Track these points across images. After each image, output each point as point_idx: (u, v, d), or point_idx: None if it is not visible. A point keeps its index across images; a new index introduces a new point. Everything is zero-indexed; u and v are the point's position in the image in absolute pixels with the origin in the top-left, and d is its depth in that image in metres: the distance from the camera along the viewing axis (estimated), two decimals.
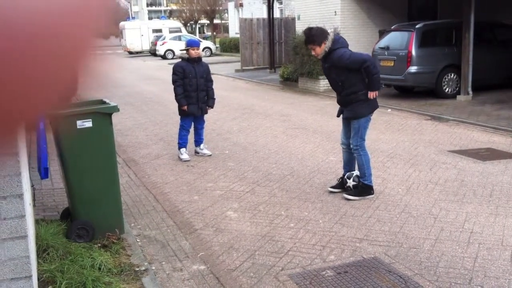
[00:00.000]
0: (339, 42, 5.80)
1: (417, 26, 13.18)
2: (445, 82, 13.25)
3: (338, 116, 6.26)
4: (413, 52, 12.95)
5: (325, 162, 7.51)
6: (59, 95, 0.65)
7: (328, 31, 5.82)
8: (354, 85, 5.80)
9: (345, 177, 6.10)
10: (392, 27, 14.30)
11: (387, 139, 9.05)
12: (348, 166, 6.18)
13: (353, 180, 5.99)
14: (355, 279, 4.05)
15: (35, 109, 0.63)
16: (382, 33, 14.93)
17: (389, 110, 12.19)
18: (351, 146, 5.97)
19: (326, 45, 5.70)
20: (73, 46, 0.62)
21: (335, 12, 16.24)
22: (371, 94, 5.82)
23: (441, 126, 10.13)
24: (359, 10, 16.31)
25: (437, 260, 4.36)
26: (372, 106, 5.97)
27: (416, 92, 14.19)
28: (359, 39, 16.25)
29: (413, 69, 12.98)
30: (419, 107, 12.11)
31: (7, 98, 0.58)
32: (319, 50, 5.75)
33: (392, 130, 9.81)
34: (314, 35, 5.74)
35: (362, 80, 5.81)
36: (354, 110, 5.88)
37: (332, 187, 6.22)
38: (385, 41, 13.96)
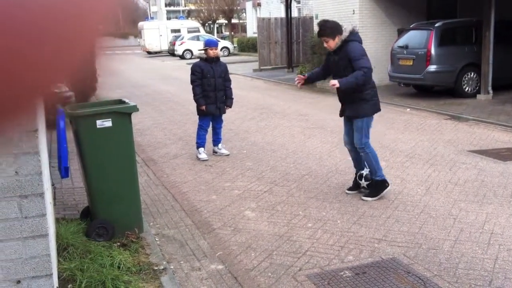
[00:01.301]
0: (355, 34, 5.75)
1: (436, 25, 13.06)
2: (465, 81, 13.11)
3: (340, 116, 6.15)
4: (433, 51, 12.84)
5: (343, 162, 7.47)
6: (72, 67, 0.66)
7: (345, 25, 5.77)
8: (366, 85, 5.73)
9: (357, 179, 6.07)
10: (411, 26, 14.18)
11: (406, 139, 8.98)
12: (358, 164, 6.12)
13: (366, 180, 5.94)
14: (373, 280, 4.03)
15: (49, 79, 0.64)
16: (401, 32, 14.82)
17: (408, 109, 12.10)
18: (356, 146, 5.90)
19: (341, 38, 5.65)
20: (84, 21, 0.63)
21: (353, 11, 16.14)
22: (332, 82, 5.59)
23: (461, 125, 10.02)
24: (377, 8, 16.19)
25: (456, 261, 4.32)
26: (375, 107, 5.89)
27: (435, 91, 14.07)
28: (378, 38, 16.14)
29: (432, 68, 12.87)
30: (439, 107, 12.00)
31: (21, 67, 0.59)
32: (333, 44, 5.68)
33: (411, 130, 9.74)
34: (330, 27, 5.69)
35: (370, 82, 5.75)
36: (358, 109, 5.79)
37: (349, 189, 6.19)
38: (404, 40, 13.85)
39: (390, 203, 5.76)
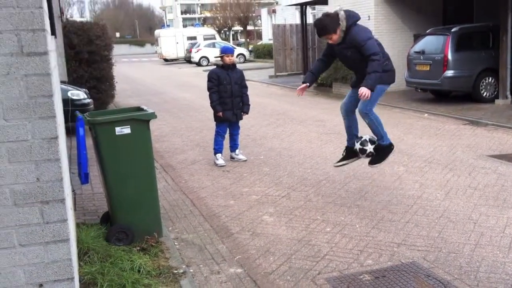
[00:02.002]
0: (351, 16, 5.50)
1: (453, 30, 13.00)
2: (483, 86, 13.00)
3: (353, 87, 5.88)
4: (449, 56, 12.77)
5: (361, 167, 7.45)
6: None
7: (334, 11, 5.55)
8: None
9: (359, 145, 5.80)
10: (427, 31, 14.12)
11: (424, 144, 8.93)
12: (350, 134, 6.01)
13: (371, 143, 5.79)
14: (393, 283, 4.01)
15: None
16: (417, 37, 14.76)
17: (426, 114, 12.03)
18: (360, 111, 5.68)
19: (342, 26, 5.43)
20: None
21: (369, 16, 16.11)
22: (362, 92, 5.26)
23: (479, 130, 9.94)
24: (393, 14, 16.14)
25: (477, 265, 4.28)
26: (392, 78, 5.72)
27: (453, 96, 13.97)
28: (394, 43, 16.08)
29: (449, 73, 12.80)
30: (457, 112, 11.91)
31: None
32: (336, 37, 5.49)
33: (429, 135, 9.68)
34: (327, 24, 5.45)
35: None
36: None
37: (337, 162, 6.20)
38: (421, 45, 13.80)
39: (409, 208, 5.72)
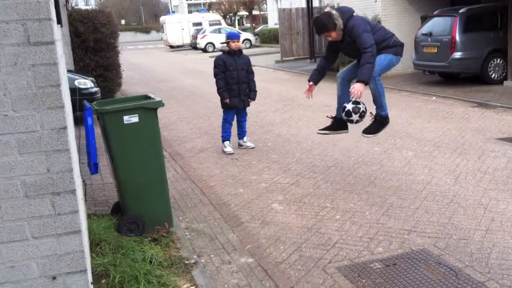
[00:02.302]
0: (343, 12, 5.53)
1: (460, 11, 12.86)
2: (491, 68, 12.89)
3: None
4: (457, 38, 12.66)
5: (370, 153, 7.43)
6: None
7: (327, 9, 5.57)
8: (381, 42, 5.56)
9: (351, 104, 5.61)
10: (435, 13, 13.98)
11: (432, 127, 8.88)
12: (341, 102, 5.91)
13: (363, 104, 5.64)
14: (404, 271, 4.01)
15: None
16: (424, 19, 14.63)
17: (434, 98, 11.95)
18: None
19: (339, 25, 5.45)
20: None
21: None
22: (355, 88, 5.37)
23: (488, 113, 9.86)
24: None
25: (488, 251, 4.27)
26: (400, 51, 5.72)
27: (461, 78, 13.87)
28: (401, 25, 15.92)
29: (457, 55, 12.69)
30: (465, 94, 11.83)
31: None
32: (335, 34, 5.52)
33: (438, 119, 9.62)
34: (326, 22, 5.47)
35: (383, 35, 5.61)
36: (387, 50, 5.62)
37: (321, 129, 6.19)
38: (428, 27, 13.67)
39: (418, 194, 5.70)
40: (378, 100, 5.78)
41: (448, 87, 12.97)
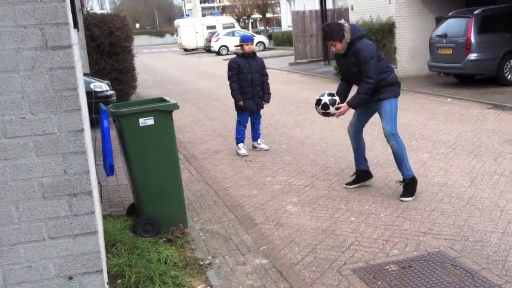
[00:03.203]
0: (355, 30, 5.50)
1: (475, 12, 12.76)
2: (507, 69, 12.77)
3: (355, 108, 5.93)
4: (472, 39, 12.56)
5: (384, 155, 7.40)
6: None
7: (340, 22, 5.55)
8: (379, 75, 5.49)
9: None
10: (450, 14, 13.89)
11: (448, 129, 8.82)
12: (359, 154, 6.00)
13: (329, 95, 5.66)
14: (420, 273, 3.98)
15: None
16: (439, 20, 14.54)
17: (449, 99, 11.87)
18: (387, 133, 5.59)
19: (346, 40, 5.44)
20: None
21: (389, 0, 15.90)
22: (341, 109, 5.58)
23: (504, 114, 9.77)
24: None
25: (505, 254, 4.22)
26: (398, 90, 5.69)
27: (477, 80, 13.74)
28: (415, 27, 15.85)
29: (472, 56, 12.59)
30: (481, 96, 11.73)
31: None
32: (340, 46, 5.49)
33: (453, 120, 9.55)
34: (335, 31, 5.46)
35: (383, 68, 5.55)
36: (388, 91, 5.58)
37: (348, 183, 6.13)
38: (443, 28, 13.59)
39: (434, 196, 5.67)
40: (401, 159, 5.62)
41: (463, 89, 12.88)
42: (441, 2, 15.92)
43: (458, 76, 14.17)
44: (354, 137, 6.00)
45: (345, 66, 5.70)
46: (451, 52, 13.13)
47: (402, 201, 5.59)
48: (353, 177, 6.18)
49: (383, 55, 5.86)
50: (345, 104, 5.62)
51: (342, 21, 5.65)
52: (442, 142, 7.99)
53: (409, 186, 5.67)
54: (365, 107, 5.78)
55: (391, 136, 5.61)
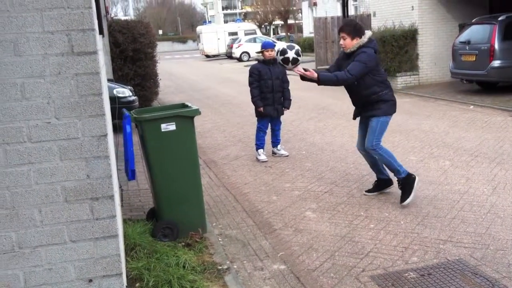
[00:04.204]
0: (373, 42, 5.58)
1: (500, 19, 12.64)
2: None
3: (354, 118, 6.08)
4: (496, 46, 12.43)
5: (405, 162, 7.35)
6: None
7: (366, 31, 5.60)
8: (372, 87, 5.54)
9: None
10: (473, 20, 13.77)
11: (470, 137, 8.73)
12: (376, 167, 6.03)
13: (290, 49, 5.54)
14: (439, 281, 3.96)
15: None
16: (462, 27, 14.42)
17: (472, 107, 11.75)
18: (367, 148, 5.71)
19: (358, 42, 5.49)
20: None
21: (412, 7, 15.81)
22: (308, 72, 5.39)
23: None
24: (437, 3, 15.78)
25: None
26: (394, 108, 5.71)
27: (500, 87, 13.57)
28: (438, 33, 15.74)
29: (496, 63, 12.46)
30: (504, 103, 11.59)
31: None
32: (349, 44, 5.52)
33: (476, 128, 9.45)
34: (354, 26, 5.53)
35: (378, 83, 5.56)
36: (378, 108, 5.61)
37: (368, 191, 6.12)
38: (466, 35, 13.48)
39: (455, 203, 5.62)
40: (390, 166, 5.73)
41: (486, 96, 12.73)
42: (465, 9, 15.79)
43: (481, 83, 14.02)
44: (365, 154, 6.03)
45: (345, 67, 5.65)
46: (474, 59, 13.00)
47: (403, 205, 5.60)
48: (374, 184, 6.17)
49: (384, 71, 5.87)
50: (315, 73, 5.44)
51: (370, 32, 5.70)
52: (464, 149, 7.91)
53: (405, 186, 5.67)
54: (365, 125, 5.86)
55: (372, 150, 5.72)
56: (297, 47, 5.62)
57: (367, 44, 5.53)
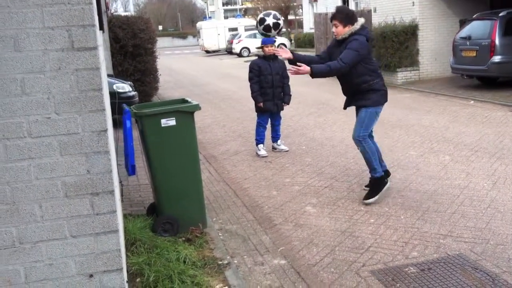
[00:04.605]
0: (365, 29, 5.49)
1: (500, 14, 12.62)
2: None
3: (345, 108, 6.00)
4: (497, 41, 12.42)
5: (405, 157, 7.36)
6: None
7: (359, 19, 5.52)
8: (363, 75, 5.46)
9: (261, 28, 5.71)
10: (474, 16, 13.75)
11: (470, 132, 8.73)
12: (378, 156, 5.91)
13: (274, 17, 5.59)
14: (439, 276, 3.96)
15: None
16: (463, 23, 14.40)
17: (472, 102, 11.75)
18: (353, 138, 5.66)
19: (350, 30, 5.41)
20: None
21: (413, 2, 15.78)
22: (302, 68, 5.25)
23: None
24: None
25: None
26: (385, 98, 5.63)
27: (500, 82, 13.57)
28: (439, 29, 15.72)
29: (497, 58, 12.45)
30: (504, 98, 11.59)
31: None
32: (341, 31, 5.44)
33: (476, 123, 9.45)
34: (346, 13, 5.45)
35: (369, 71, 5.49)
36: (368, 98, 5.54)
37: (368, 185, 6.05)
38: (467, 30, 13.46)
39: (455, 198, 5.62)
40: (368, 162, 5.70)
41: (486, 91, 12.73)
42: (465, 4, 15.76)
43: (481, 79, 14.02)
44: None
45: (336, 55, 5.55)
46: (474, 54, 12.99)
47: (365, 203, 5.59)
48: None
49: (375, 60, 5.80)
50: (307, 67, 5.33)
51: (363, 19, 5.63)
52: (464, 144, 7.91)
53: (375, 185, 5.68)
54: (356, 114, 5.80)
55: (356, 141, 5.67)
56: (273, 12, 5.64)
57: (359, 32, 5.44)
